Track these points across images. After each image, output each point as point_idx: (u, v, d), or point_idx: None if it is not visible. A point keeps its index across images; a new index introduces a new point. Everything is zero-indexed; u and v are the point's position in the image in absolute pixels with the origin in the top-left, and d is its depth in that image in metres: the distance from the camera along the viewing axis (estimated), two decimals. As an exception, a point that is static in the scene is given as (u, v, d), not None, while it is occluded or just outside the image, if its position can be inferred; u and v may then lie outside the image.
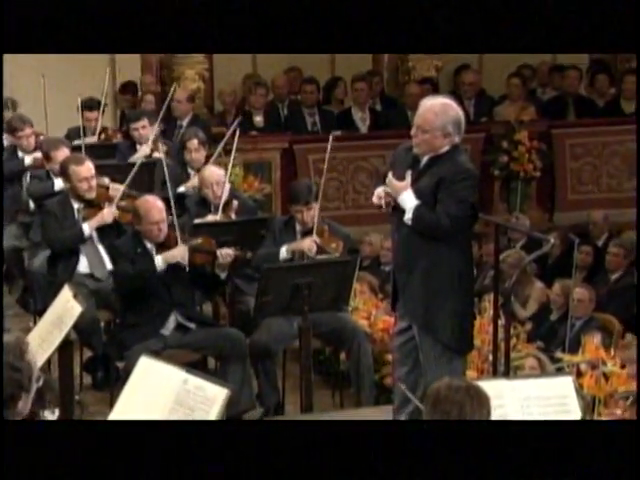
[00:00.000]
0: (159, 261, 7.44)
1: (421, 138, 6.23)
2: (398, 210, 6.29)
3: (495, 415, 4.84)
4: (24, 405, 4.03)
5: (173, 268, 7.49)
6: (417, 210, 6.20)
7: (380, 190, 6.37)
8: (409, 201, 6.22)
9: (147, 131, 9.96)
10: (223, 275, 7.65)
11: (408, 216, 6.22)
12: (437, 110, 6.23)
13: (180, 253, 7.44)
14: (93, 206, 8.27)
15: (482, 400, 4.30)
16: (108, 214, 8.21)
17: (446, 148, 6.24)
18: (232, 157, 8.86)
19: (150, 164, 9.17)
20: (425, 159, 6.29)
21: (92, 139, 10.11)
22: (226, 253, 7.53)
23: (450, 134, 6.21)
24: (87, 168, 8.28)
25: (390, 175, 6.35)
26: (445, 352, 6.28)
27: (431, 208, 6.20)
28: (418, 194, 6.23)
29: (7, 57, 10.93)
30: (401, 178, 6.30)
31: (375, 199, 6.40)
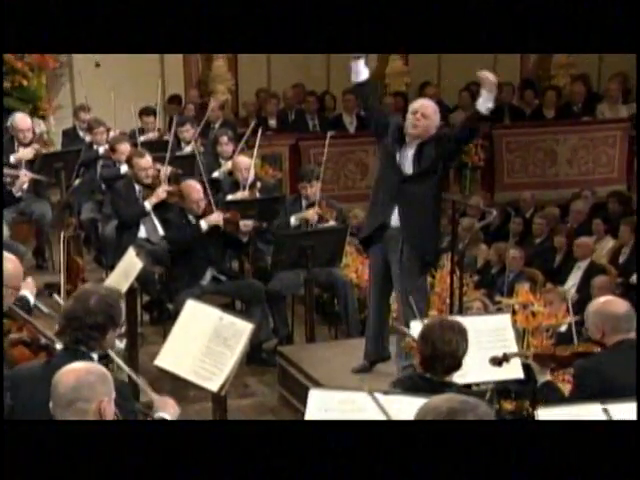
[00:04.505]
0: (203, 224, 7.51)
1: (423, 122, 5.99)
2: (398, 176, 6.08)
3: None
4: (111, 338, 3.94)
5: (209, 234, 7.51)
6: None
7: None
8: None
9: (190, 133, 9.95)
10: (245, 239, 7.76)
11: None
12: (435, 108, 6.12)
13: (217, 217, 7.51)
14: (150, 188, 8.28)
15: (464, 335, 4.24)
16: (162, 192, 8.20)
17: (430, 135, 6.08)
18: (255, 150, 8.84)
19: (192, 156, 9.16)
20: (414, 147, 6.06)
21: (149, 137, 10.10)
22: (246, 224, 7.68)
23: (437, 126, 6.12)
24: (146, 160, 8.31)
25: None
26: (422, 269, 6.23)
27: (434, 174, 6.05)
28: (424, 172, 6.04)
29: (83, 73, 10.90)
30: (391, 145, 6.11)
31: None
